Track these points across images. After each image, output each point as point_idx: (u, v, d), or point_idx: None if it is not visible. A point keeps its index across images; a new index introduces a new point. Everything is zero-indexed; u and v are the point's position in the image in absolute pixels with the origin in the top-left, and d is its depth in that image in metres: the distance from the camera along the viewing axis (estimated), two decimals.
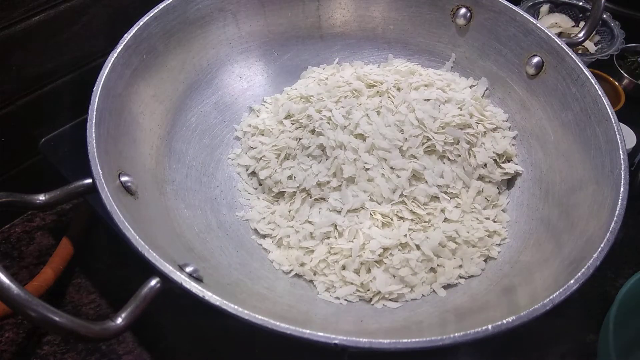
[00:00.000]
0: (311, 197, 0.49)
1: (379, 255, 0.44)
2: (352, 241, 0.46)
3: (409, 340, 0.31)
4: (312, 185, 0.49)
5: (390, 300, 0.44)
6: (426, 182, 0.48)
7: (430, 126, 0.50)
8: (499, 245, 0.47)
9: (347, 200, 0.47)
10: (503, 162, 0.52)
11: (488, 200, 0.50)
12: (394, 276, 0.44)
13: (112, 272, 0.52)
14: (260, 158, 0.52)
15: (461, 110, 0.52)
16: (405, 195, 0.47)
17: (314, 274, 0.46)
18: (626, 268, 0.55)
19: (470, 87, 0.57)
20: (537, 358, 0.49)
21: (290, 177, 0.50)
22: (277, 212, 0.49)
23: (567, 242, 0.42)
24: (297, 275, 0.46)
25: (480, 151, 0.51)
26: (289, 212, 0.49)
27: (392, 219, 0.47)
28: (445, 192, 0.48)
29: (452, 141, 0.50)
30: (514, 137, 0.54)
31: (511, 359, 0.48)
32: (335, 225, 0.47)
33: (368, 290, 0.44)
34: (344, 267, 0.45)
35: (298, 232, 0.47)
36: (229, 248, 0.46)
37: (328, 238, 0.47)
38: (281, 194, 0.50)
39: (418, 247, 0.45)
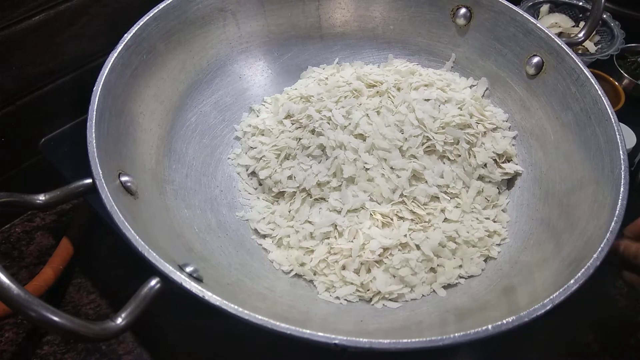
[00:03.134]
0: (311, 197, 0.49)
1: (379, 255, 0.44)
2: (352, 241, 0.46)
3: (409, 340, 0.31)
4: (312, 185, 0.49)
5: (390, 300, 0.44)
6: (426, 182, 0.48)
7: (430, 126, 0.50)
8: (499, 245, 0.47)
9: (347, 200, 0.47)
10: (503, 162, 0.52)
11: (488, 200, 0.50)
12: (394, 276, 0.44)
13: (112, 272, 0.52)
14: (260, 158, 0.52)
15: (461, 110, 0.52)
16: (405, 195, 0.47)
17: (314, 274, 0.46)
18: None
19: (470, 87, 0.57)
20: (537, 358, 0.49)
21: (290, 177, 0.50)
22: (277, 212, 0.49)
23: (567, 242, 0.42)
24: (297, 275, 0.46)
25: (480, 151, 0.51)
26: (289, 212, 0.49)
27: (392, 219, 0.47)
28: (445, 192, 0.48)
29: (452, 141, 0.50)
30: (514, 137, 0.54)
31: (511, 359, 0.48)
32: (335, 225, 0.47)
33: (368, 290, 0.44)
34: (344, 267, 0.45)
35: (298, 232, 0.47)
36: (229, 248, 0.46)
37: (328, 238, 0.47)
38: (281, 194, 0.50)
39: (418, 247, 0.45)
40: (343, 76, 0.57)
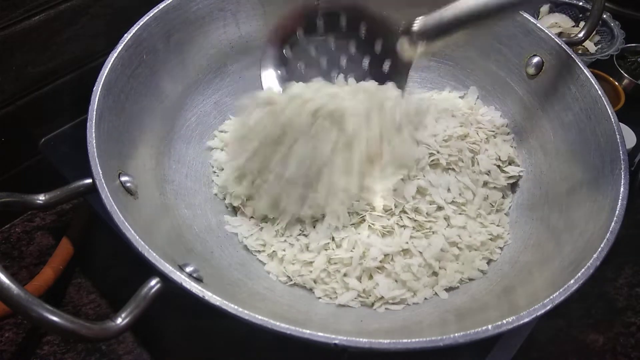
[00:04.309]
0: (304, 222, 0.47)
1: (380, 262, 0.44)
2: (352, 250, 0.45)
3: (409, 341, 0.31)
4: (306, 214, 0.46)
5: (392, 304, 0.43)
6: (430, 195, 0.47)
7: (433, 144, 0.49)
8: (501, 248, 0.47)
9: (345, 220, 0.46)
10: (506, 166, 0.51)
11: (493, 206, 0.49)
12: (396, 281, 0.44)
13: (112, 272, 0.52)
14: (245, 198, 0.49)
15: (456, 118, 0.52)
16: (408, 209, 0.47)
17: (314, 282, 0.44)
18: (626, 268, 0.56)
19: (462, 97, 0.57)
20: (537, 358, 0.49)
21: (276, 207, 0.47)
22: (265, 230, 0.47)
23: (567, 242, 0.42)
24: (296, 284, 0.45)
25: (483, 158, 0.50)
26: (276, 232, 0.47)
27: (393, 229, 0.46)
28: (452, 202, 0.48)
29: (457, 153, 0.49)
30: (513, 139, 0.54)
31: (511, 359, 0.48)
32: (333, 237, 0.46)
33: (370, 296, 0.43)
34: (345, 275, 0.44)
35: (293, 246, 0.46)
36: (228, 248, 0.46)
37: (326, 250, 0.45)
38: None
39: (420, 253, 0.45)
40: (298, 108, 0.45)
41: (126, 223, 0.34)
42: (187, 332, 0.47)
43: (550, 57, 0.51)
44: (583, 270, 0.35)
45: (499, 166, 0.51)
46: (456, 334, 0.31)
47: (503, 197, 0.50)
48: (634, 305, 0.53)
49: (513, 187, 0.52)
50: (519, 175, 0.51)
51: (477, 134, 0.52)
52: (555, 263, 0.40)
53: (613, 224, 0.38)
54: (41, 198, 0.36)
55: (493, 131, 0.53)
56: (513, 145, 0.53)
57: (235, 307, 0.31)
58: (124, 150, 0.43)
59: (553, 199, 0.47)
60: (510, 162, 0.52)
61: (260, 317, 0.31)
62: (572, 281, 0.35)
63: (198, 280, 0.35)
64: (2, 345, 0.47)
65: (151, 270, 0.33)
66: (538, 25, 0.51)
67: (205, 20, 0.53)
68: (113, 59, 0.43)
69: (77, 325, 0.28)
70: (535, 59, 0.52)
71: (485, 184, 0.50)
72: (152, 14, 0.48)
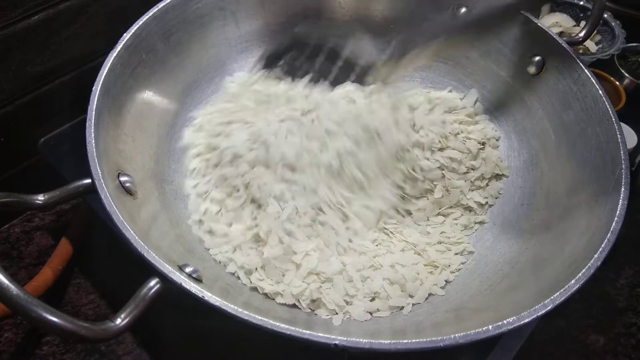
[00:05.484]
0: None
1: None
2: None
3: (409, 341, 0.31)
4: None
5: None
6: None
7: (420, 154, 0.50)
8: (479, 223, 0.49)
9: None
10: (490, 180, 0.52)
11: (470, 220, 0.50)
12: (393, 283, 0.44)
13: (112, 272, 0.52)
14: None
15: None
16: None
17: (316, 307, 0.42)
18: (627, 268, 0.55)
19: (461, 99, 0.57)
20: (538, 358, 0.49)
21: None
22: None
23: (567, 242, 0.41)
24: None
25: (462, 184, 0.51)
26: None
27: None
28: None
29: (448, 162, 0.51)
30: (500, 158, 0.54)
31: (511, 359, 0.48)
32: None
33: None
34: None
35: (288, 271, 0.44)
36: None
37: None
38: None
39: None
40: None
41: (125, 223, 0.34)
42: (187, 332, 0.47)
43: (551, 57, 0.51)
44: (584, 270, 0.35)
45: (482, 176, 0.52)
46: (456, 335, 0.31)
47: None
48: (634, 306, 0.53)
49: (510, 182, 0.52)
50: (499, 194, 0.52)
51: (464, 143, 0.53)
52: (556, 263, 0.40)
53: (614, 224, 0.38)
54: (40, 198, 0.36)
55: (482, 142, 0.54)
56: (501, 160, 0.53)
57: (235, 307, 0.31)
58: (123, 150, 0.42)
59: (554, 198, 0.47)
60: (498, 179, 0.53)
61: (260, 317, 0.31)
62: (572, 281, 0.35)
63: (197, 280, 0.35)
64: (2, 346, 0.47)
65: (150, 270, 0.32)
66: (539, 24, 0.51)
67: (205, 19, 0.53)
68: (112, 58, 0.43)
69: (77, 326, 0.28)
70: (536, 59, 0.52)
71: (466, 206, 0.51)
72: (151, 14, 0.48)
